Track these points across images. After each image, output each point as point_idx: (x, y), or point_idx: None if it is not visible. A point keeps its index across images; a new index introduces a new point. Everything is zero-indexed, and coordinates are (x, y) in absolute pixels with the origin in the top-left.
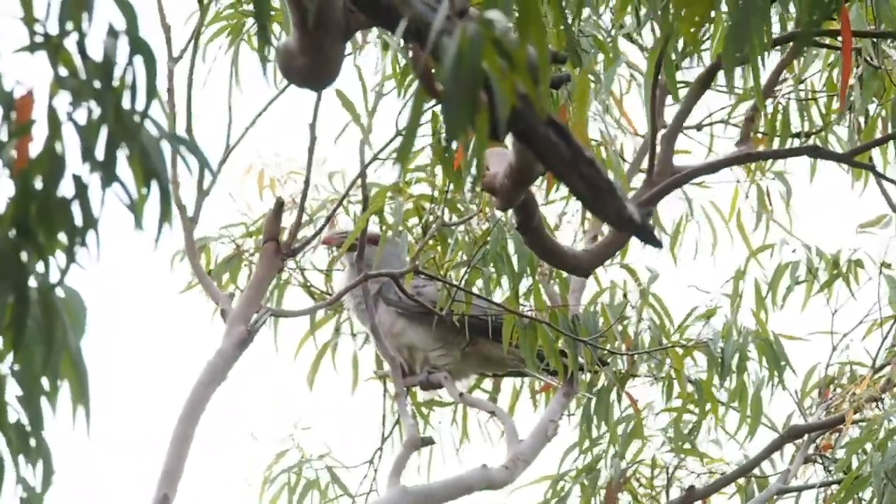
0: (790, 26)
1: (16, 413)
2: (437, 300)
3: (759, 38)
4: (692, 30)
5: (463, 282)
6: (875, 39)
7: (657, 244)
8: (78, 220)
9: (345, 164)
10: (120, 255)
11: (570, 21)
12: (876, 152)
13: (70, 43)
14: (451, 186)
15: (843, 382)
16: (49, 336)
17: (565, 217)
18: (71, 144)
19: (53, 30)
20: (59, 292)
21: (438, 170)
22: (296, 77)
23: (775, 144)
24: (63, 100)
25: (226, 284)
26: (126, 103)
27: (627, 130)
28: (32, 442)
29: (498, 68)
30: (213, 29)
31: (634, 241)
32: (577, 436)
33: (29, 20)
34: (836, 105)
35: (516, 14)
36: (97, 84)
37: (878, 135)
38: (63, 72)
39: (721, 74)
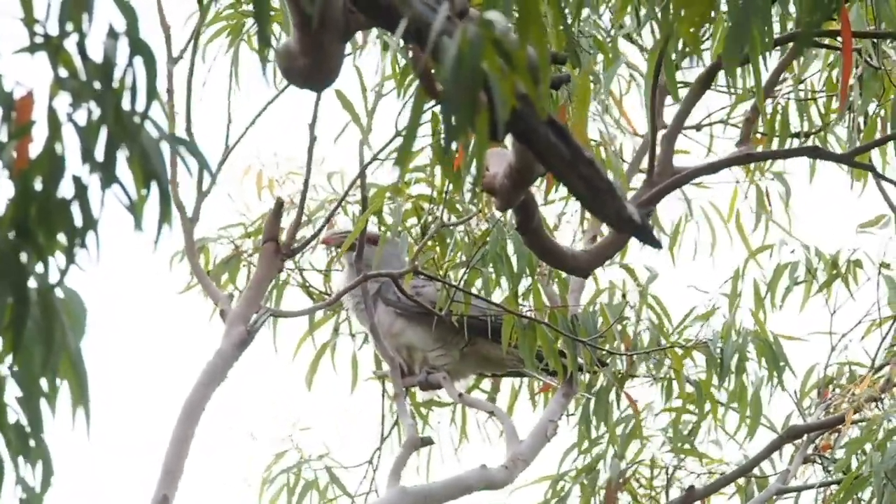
0: (790, 26)
1: (15, 414)
2: (436, 300)
3: (760, 38)
4: (692, 30)
5: (462, 282)
6: (875, 40)
7: (657, 245)
8: (78, 221)
9: (343, 164)
10: (119, 255)
11: (569, 21)
12: (875, 152)
13: (70, 44)
14: (451, 187)
15: (842, 383)
16: (48, 337)
17: (564, 217)
18: (71, 145)
19: (53, 31)
20: (59, 293)
21: (437, 170)
22: (296, 78)
23: (774, 144)
24: (63, 101)
25: (224, 285)
26: (126, 104)
27: (627, 130)
28: (32, 443)
29: (498, 69)
30: (212, 29)
31: (633, 241)
32: (576, 436)
33: (29, 21)
34: (835, 105)
35: (516, 14)
36: (97, 85)
37: (877, 135)
38: (63, 73)
39: (721, 74)
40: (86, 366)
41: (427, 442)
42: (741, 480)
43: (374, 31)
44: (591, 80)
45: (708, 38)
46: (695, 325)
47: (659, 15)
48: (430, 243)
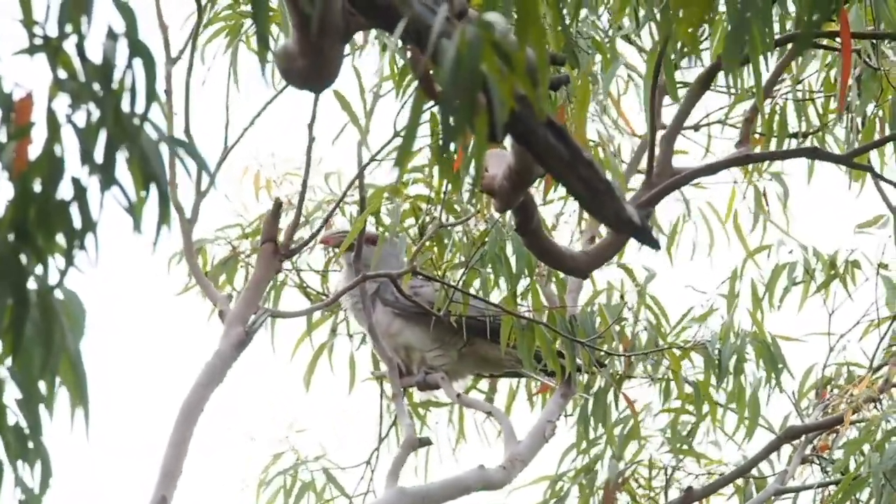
0: (789, 25)
1: (14, 416)
2: (434, 301)
3: (760, 39)
4: (690, 30)
5: (460, 283)
6: (874, 41)
7: (656, 246)
8: (77, 223)
9: (341, 164)
10: (117, 257)
11: (567, 22)
12: (873, 153)
13: (69, 45)
14: (449, 187)
15: (841, 383)
16: (48, 338)
17: (562, 218)
18: (70, 147)
19: (53, 32)
20: (58, 295)
21: (436, 170)
22: (295, 79)
23: (773, 145)
24: (62, 102)
25: (222, 286)
26: (125, 106)
27: (625, 131)
28: (31, 444)
29: (497, 71)
30: (211, 30)
31: (631, 242)
32: (574, 436)
33: (28, 22)
34: (833, 105)
35: (515, 16)
36: (96, 87)
37: (875, 135)
38: (62, 74)
39: (719, 74)
40: (85, 367)
41: (425, 442)
42: (740, 481)
43: (373, 32)
44: (590, 80)
45: (706, 39)
46: (693, 326)
47: (658, 16)
48: (428, 244)
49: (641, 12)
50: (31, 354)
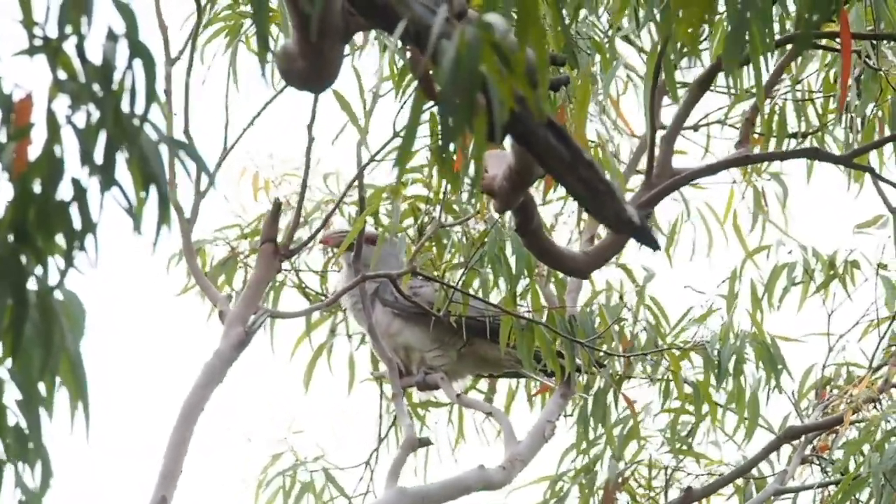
0: (788, 25)
1: (15, 416)
2: (433, 301)
3: (760, 39)
4: (690, 31)
5: (460, 283)
6: (874, 41)
7: (656, 246)
8: (76, 224)
9: (340, 164)
10: (117, 257)
11: (567, 22)
12: (872, 153)
13: (69, 46)
14: (449, 188)
15: (840, 383)
16: (48, 339)
17: (561, 218)
18: (70, 148)
19: (53, 33)
20: (58, 295)
21: (435, 171)
22: (295, 80)
23: (772, 145)
24: (62, 103)
25: (221, 286)
26: (125, 107)
27: (624, 131)
28: (31, 445)
29: (496, 71)
30: (210, 30)
31: (631, 242)
32: (574, 436)
33: (28, 23)
34: (832, 105)
35: (515, 16)
36: (96, 87)
37: (875, 136)
38: (62, 75)
39: (719, 75)
40: (85, 368)
41: (425, 443)
42: (739, 481)
43: (373, 32)
44: (589, 81)
45: (706, 39)
46: (692, 327)
47: (657, 16)
48: (427, 244)
49: (641, 13)
50: (30, 355)
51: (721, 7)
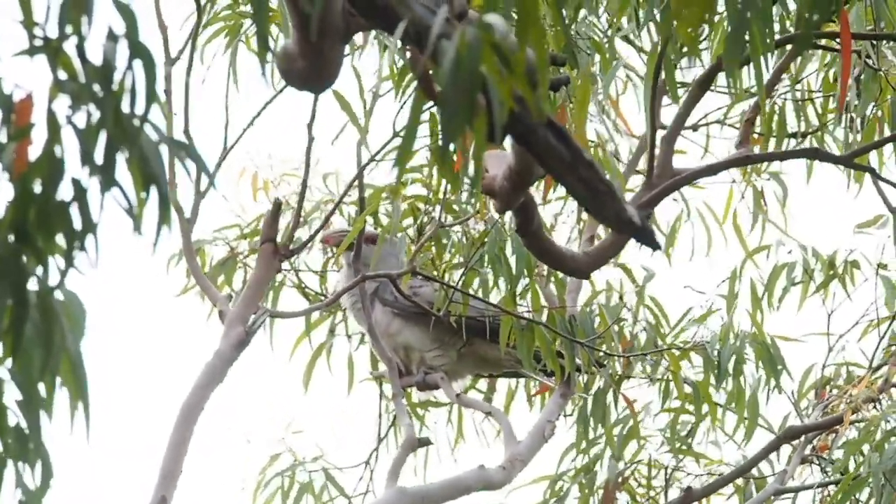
0: (788, 24)
1: (15, 417)
2: (433, 301)
3: (761, 39)
4: (690, 31)
5: (460, 283)
6: (874, 41)
7: (657, 247)
8: (77, 224)
9: (339, 164)
10: (117, 257)
11: (567, 22)
12: (872, 153)
13: (69, 46)
14: (448, 188)
15: (840, 383)
16: (48, 339)
17: (560, 217)
18: (70, 148)
19: (53, 33)
20: (59, 295)
21: (434, 170)
22: (295, 80)
23: (771, 144)
24: (62, 103)
25: (220, 286)
26: (125, 107)
27: (623, 132)
28: (31, 445)
29: (496, 72)
30: (210, 30)
31: (631, 242)
32: (574, 436)
33: (28, 23)
34: (832, 105)
35: (515, 17)
36: (97, 88)
37: (875, 136)
38: (62, 75)
39: (719, 75)
40: (85, 368)
41: (425, 443)
42: (739, 481)
43: (373, 32)
44: (589, 81)
45: (705, 39)
46: (692, 327)
47: (658, 16)
48: (427, 244)
49: (641, 13)
50: (31, 355)
51: (721, 7)
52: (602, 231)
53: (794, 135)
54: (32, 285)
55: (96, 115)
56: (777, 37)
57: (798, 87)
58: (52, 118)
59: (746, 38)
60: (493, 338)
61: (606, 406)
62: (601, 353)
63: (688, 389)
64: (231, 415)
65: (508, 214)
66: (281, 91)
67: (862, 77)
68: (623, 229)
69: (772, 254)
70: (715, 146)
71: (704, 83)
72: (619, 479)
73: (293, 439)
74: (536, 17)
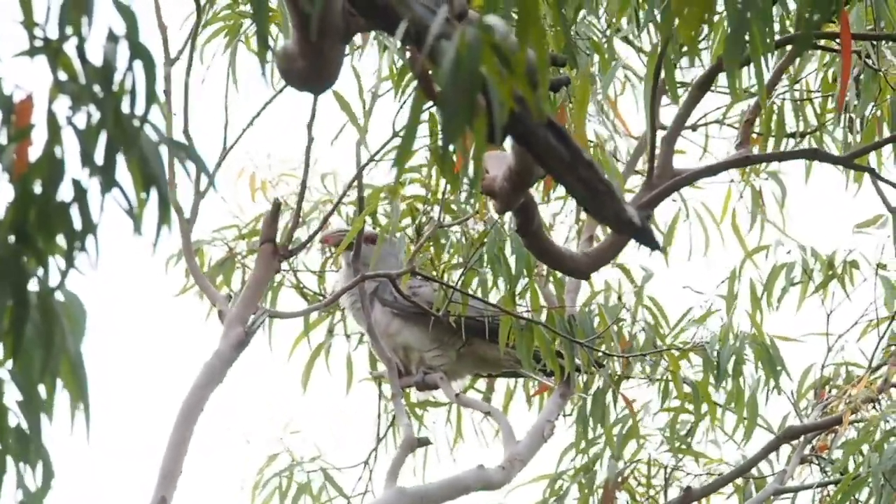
0: (788, 25)
1: (16, 417)
2: (433, 301)
3: (761, 39)
4: (692, 32)
5: (459, 283)
6: (874, 42)
7: (657, 247)
8: (77, 225)
9: (337, 164)
10: (116, 258)
11: (567, 23)
12: (871, 153)
13: (70, 47)
14: (448, 188)
15: (839, 383)
16: (48, 340)
17: (559, 217)
18: (70, 149)
19: (53, 34)
20: (59, 296)
21: (433, 170)
22: (295, 80)
23: (770, 144)
24: (62, 104)
25: (219, 287)
26: (125, 108)
27: (621, 132)
28: (32, 446)
29: (496, 72)
30: (210, 30)
31: (631, 242)
32: (573, 436)
33: (29, 24)
34: (831, 105)
35: (516, 17)
36: (97, 89)
37: (875, 136)
38: (63, 76)
39: (719, 76)
40: (86, 369)
41: (424, 442)
42: (739, 480)
43: (372, 32)
44: (589, 81)
45: (704, 39)
46: (692, 327)
47: (658, 17)
48: (425, 244)
49: (641, 14)
50: (31, 356)
51: (721, 7)
52: (601, 231)
53: (792, 135)
54: (33, 286)
55: (96, 115)
56: (777, 37)
57: (797, 86)
58: (52, 119)
59: (746, 38)
60: (492, 338)
61: (606, 406)
62: (600, 354)
63: (687, 389)
64: (230, 415)
65: (508, 214)
66: (280, 91)
67: (861, 77)
68: (623, 230)
69: (771, 254)
70: (714, 146)
71: (704, 84)
72: (619, 479)
73: (291, 439)
74: (537, 17)
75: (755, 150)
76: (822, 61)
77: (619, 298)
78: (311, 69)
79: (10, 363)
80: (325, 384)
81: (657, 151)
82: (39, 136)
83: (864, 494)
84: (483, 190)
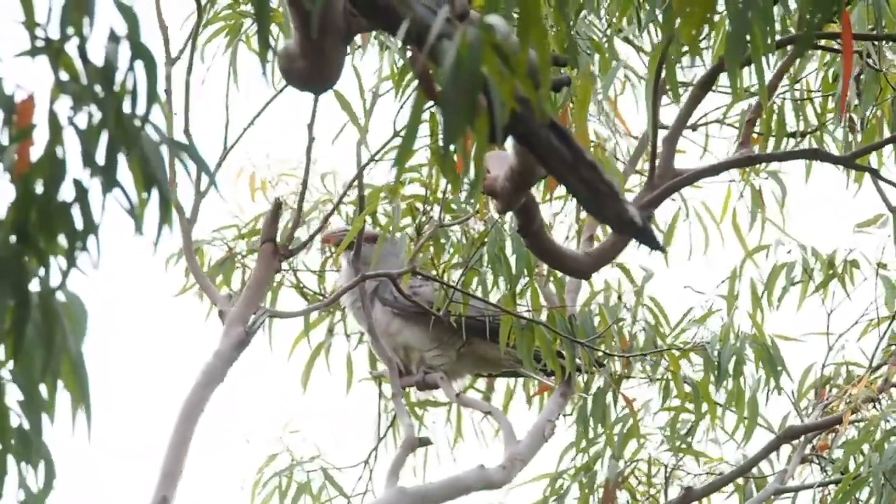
0: (789, 24)
1: (17, 417)
2: (433, 300)
3: (762, 39)
4: (693, 32)
5: (459, 283)
6: (875, 42)
7: (658, 247)
8: (78, 225)
9: (337, 164)
10: (115, 258)
11: (570, 22)
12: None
13: (71, 47)
14: (448, 187)
15: (840, 383)
16: (49, 340)
17: (558, 217)
18: (72, 149)
19: (55, 34)
20: (60, 296)
21: (433, 170)
22: (296, 80)
23: (771, 144)
24: (64, 104)
25: (219, 286)
26: (127, 108)
27: (621, 132)
28: (33, 446)
29: (497, 72)
30: (210, 30)
31: (631, 242)
32: (573, 435)
33: (30, 24)
34: (831, 105)
35: (517, 17)
36: (98, 89)
37: (876, 136)
38: (64, 76)
39: (720, 75)
40: (87, 369)
41: (425, 442)
42: (739, 480)
43: (373, 32)
44: (590, 81)
45: (705, 38)
46: (692, 327)
47: (660, 17)
48: (425, 243)
49: (642, 14)
50: (32, 356)
51: (721, 7)
52: (601, 231)
53: (793, 134)
54: (34, 286)
55: (98, 115)
56: (778, 37)
57: (797, 86)
58: (53, 119)
59: (748, 38)
60: (492, 337)
61: (606, 405)
62: (601, 353)
63: (687, 389)
64: (230, 414)
65: (509, 214)
66: (281, 91)
67: (862, 77)
68: (624, 230)
69: (771, 253)
70: (714, 145)
71: (706, 84)
72: (619, 478)
73: (291, 439)
74: (538, 17)
75: (756, 150)
76: (822, 61)
77: (620, 298)
78: (312, 69)
79: (11, 363)
80: (325, 384)
81: (658, 151)
82: (41, 136)
83: (864, 494)
84: (484, 190)
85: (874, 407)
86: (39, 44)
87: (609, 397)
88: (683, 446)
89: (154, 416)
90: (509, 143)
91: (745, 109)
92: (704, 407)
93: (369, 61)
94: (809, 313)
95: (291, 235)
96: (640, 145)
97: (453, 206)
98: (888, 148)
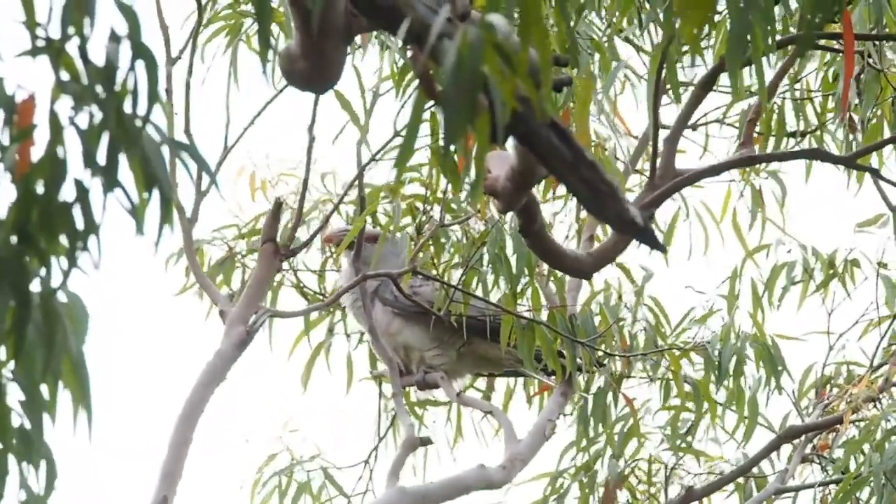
0: (790, 24)
1: (19, 417)
2: (433, 300)
3: (763, 39)
4: (694, 32)
5: (460, 282)
6: (876, 42)
7: (659, 247)
8: (79, 225)
9: (337, 164)
10: (115, 257)
11: (571, 22)
12: (872, 152)
13: (72, 47)
14: (449, 187)
15: (840, 382)
16: (50, 340)
17: (558, 216)
18: (73, 149)
19: (55, 34)
20: (61, 297)
21: (434, 170)
22: (297, 80)
23: (771, 144)
24: (65, 104)
25: (219, 286)
26: (127, 108)
27: (622, 131)
28: (35, 446)
29: (499, 72)
30: (211, 30)
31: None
32: (574, 434)
33: (31, 24)
34: (831, 105)
35: (518, 17)
36: (99, 89)
37: (877, 136)
38: (65, 76)
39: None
40: (88, 369)
41: (426, 442)
42: (740, 479)
43: (373, 32)
44: (591, 81)
45: (705, 38)
46: (693, 327)
47: (661, 17)
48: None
49: (643, 15)
50: (33, 357)
51: (722, 7)
52: (601, 230)
53: (793, 134)
54: (35, 286)
55: (98, 115)
56: (779, 37)
57: (797, 86)
58: (54, 119)
59: (748, 38)
60: (493, 337)
61: (607, 405)
62: (601, 353)
63: (688, 388)
64: (230, 414)
65: (510, 214)
66: (281, 91)
67: (863, 77)
68: (625, 230)
69: (771, 253)
70: (714, 145)
71: (707, 84)
72: (620, 478)
73: (291, 438)
74: (539, 17)
75: (756, 150)
76: (822, 61)
77: (620, 298)
78: (312, 69)
79: (12, 363)
80: (326, 383)
81: (659, 151)
82: (42, 136)
83: (865, 494)
84: (485, 190)
85: (875, 406)
86: (40, 44)
87: (609, 397)
88: (684, 446)
89: (155, 416)
90: (510, 142)
91: (746, 109)
92: (705, 406)
93: (370, 61)
94: (810, 313)
95: (292, 235)
96: (641, 145)
97: (454, 205)
98: (889, 148)
